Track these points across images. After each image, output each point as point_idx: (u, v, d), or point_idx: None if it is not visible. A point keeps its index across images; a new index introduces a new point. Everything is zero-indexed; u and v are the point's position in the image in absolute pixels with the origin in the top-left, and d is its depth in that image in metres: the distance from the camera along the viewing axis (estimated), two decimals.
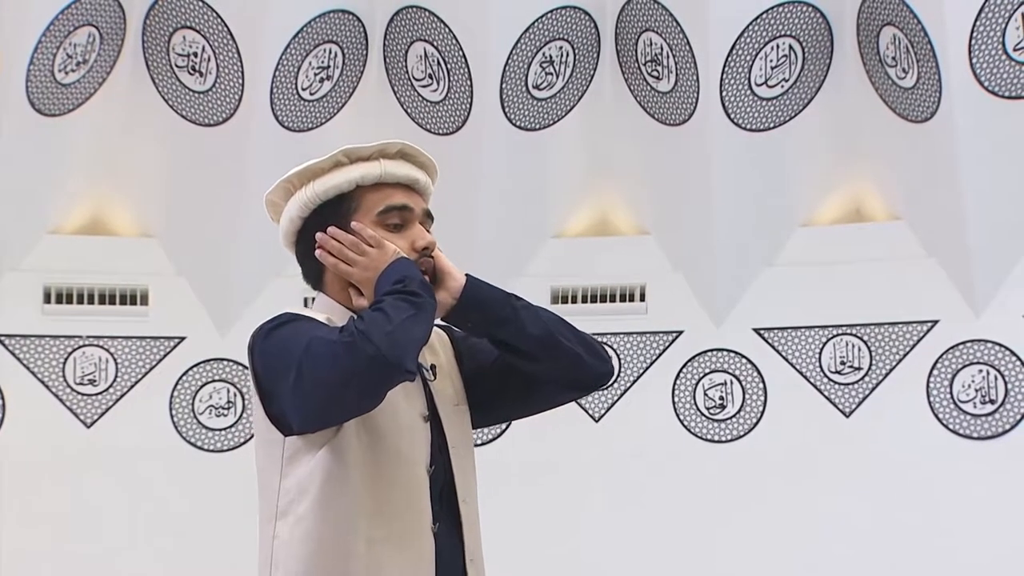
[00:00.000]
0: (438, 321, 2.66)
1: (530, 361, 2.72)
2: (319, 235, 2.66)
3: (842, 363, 7.01)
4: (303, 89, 6.88)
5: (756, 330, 7.10)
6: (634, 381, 7.14)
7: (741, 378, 7.09)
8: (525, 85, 6.91)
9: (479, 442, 6.94)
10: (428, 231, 2.73)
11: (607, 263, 7.22)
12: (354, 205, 2.68)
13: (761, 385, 7.07)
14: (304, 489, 2.56)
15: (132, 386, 7.13)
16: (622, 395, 7.12)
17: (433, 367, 2.74)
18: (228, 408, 7.18)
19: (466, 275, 2.72)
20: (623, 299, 7.20)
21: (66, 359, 7.09)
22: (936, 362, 6.88)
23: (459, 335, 2.86)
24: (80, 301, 7.11)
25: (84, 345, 7.12)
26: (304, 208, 2.71)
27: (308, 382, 2.45)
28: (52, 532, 6.89)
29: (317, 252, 2.67)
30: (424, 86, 6.98)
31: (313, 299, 2.78)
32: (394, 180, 2.71)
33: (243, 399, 7.17)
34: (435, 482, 2.64)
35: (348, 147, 2.72)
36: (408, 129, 6.87)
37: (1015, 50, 6.33)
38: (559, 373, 2.74)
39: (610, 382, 2.86)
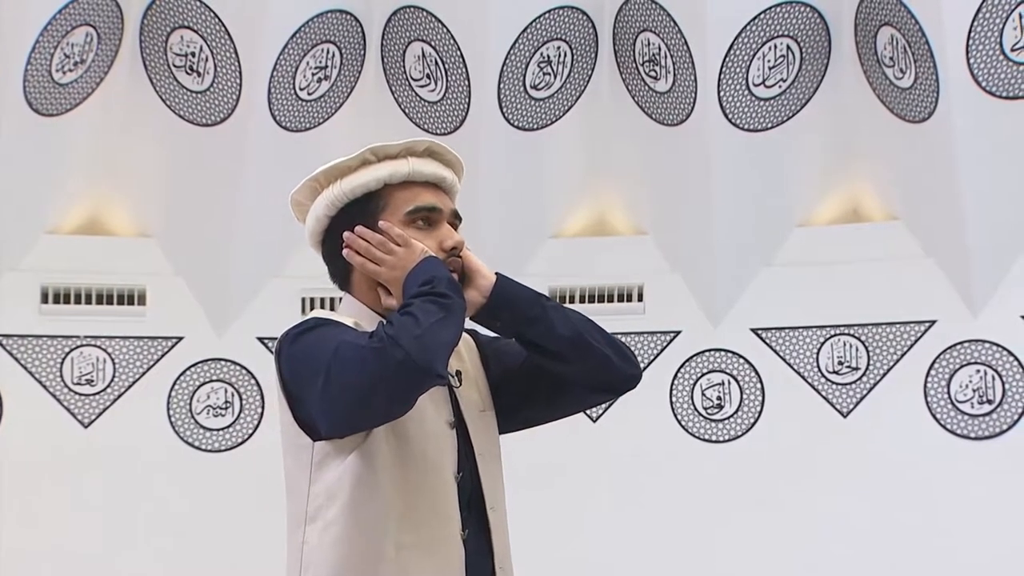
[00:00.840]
0: (467, 323, 2.64)
1: (559, 362, 2.70)
2: (346, 234, 2.64)
3: (840, 363, 7.01)
4: (301, 89, 6.87)
5: (754, 330, 7.10)
6: None
7: (739, 378, 7.10)
8: (523, 85, 6.91)
9: None
10: (456, 230, 2.71)
11: (605, 263, 7.22)
12: (382, 204, 2.66)
13: (759, 385, 7.07)
14: (333, 494, 2.54)
15: (130, 386, 7.13)
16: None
17: (459, 373, 2.71)
18: (226, 408, 7.17)
19: (496, 273, 2.71)
20: (621, 299, 7.20)
21: (64, 359, 7.09)
22: (934, 362, 6.88)
23: (485, 339, 2.84)
24: (78, 301, 7.10)
25: (82, 345, 7.11)
26: (331, 207, 2.69)
27: (336, 387, 2.43)
28: (50, 532, 6.88)
29: (344, 251, 2.65)
30: (422, 86, 6.98)
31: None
32: (422, 178, 2.69)
33: (240, 399, 7.17)
34: (463, 489, 2.62)
35: (375, 145, 2.70)
36: (406, 129, 6.87)
37: (1013, 50, 6.34)
38: (588, 375, 2.73)
39: (637, 386, 2.84)
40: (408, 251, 2.60)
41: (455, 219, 2.73)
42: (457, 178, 2.77)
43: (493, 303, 2.68)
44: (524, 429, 2.89)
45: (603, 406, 7.08)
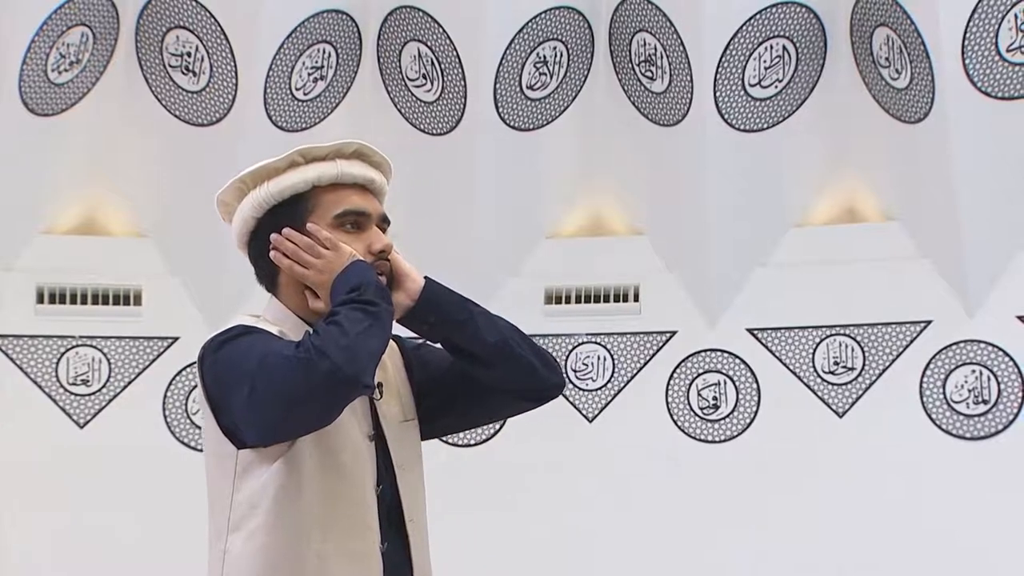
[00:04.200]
0: (394, 326, 2.64)
1: (484, 368, 2.70)
2: (274, 236, 2.64)
3: (835, 363, 7.01)
4: (297, 89, 6.87)
5: (750, 330, 7.10)
6: (628, 382, 7.14)
7: (735, 378, 7.09)
8: (519, 85, 6.91)
9: (472, 442, 6.95)
10: (385, 233, 2.71)
11: (601, 263, 7.22)
12: (310, 206, 2.66)
13: (755, 385, 7.07)
14: (256, 503, 2.53)
15: (125, 386, 7.12)
16: (616, 395, 7.12)
17: (380, 385, 2.69)
18: None
19: (425, 277, 2.70)
20: (617, 299, 7.20)
21: (59, 359, 7.08)
22: (929, 362, 6.87)
23: (410, 344, 2.84)
24: (73, 301, 7.09)
25: (77, 345, 7.11)
26: (258, 208, 2.69)
27: (262, 397, 2.42)
28: (45, 533, 6.88)
29: (271, 254, 2.65)
30: (418, 86, 6.97)
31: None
32: (351, 180, 2.69)
33: None
34: (383, 502, 2.62)
35: (303, 147, 2.70)
36: (402, 129, 6.88)
37: (1008, 51, 6.34)
38: (512, 382, 2.72)
39: (559, 395, 2.83)
40: (336, 254, 2.59)
41: (383, 222, 2.72)
42: (386, 180, 2.77)
43: (421, 306, 2.67)
44: (450, 434, 2.89)
45: (599, 406, 7.09)
